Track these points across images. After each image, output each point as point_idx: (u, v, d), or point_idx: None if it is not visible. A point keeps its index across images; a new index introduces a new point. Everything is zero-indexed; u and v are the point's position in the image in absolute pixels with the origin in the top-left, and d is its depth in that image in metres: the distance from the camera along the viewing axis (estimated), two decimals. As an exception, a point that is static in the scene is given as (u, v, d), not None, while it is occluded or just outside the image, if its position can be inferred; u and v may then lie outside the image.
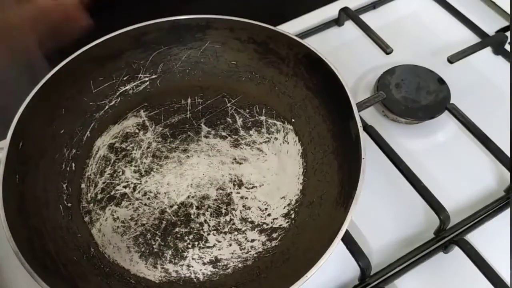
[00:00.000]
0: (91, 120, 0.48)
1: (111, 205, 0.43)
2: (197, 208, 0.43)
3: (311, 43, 0.46)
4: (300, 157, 0.46)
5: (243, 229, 0.42)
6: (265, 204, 0.43)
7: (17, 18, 0.29)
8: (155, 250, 0.41)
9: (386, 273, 0.41)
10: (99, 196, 0.44)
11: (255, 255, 0.41)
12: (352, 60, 0.55)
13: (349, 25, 0.59)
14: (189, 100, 0.50)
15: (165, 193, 0.44)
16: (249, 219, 0.42)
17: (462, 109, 0.48)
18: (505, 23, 0.58)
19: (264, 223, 0.42)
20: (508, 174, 0.44)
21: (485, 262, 0.39)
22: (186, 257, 0.40)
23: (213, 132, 0.48)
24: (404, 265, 0.41)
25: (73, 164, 0.45)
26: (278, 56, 0.48)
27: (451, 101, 0.49)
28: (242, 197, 0.44)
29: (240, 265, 0.40)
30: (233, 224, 0.42)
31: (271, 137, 0.47)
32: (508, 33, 0.56)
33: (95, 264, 0.40)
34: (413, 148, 0.48)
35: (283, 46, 0.48)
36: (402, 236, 0.43)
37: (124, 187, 0.44)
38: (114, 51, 0.48)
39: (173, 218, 0.43)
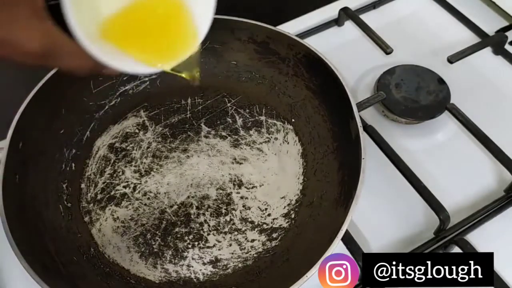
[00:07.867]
0: (91, 120, 0.48)
1: (111, 205, 0.43)
2: (197, 208, 0.43)
3: (311, 43, 0.46)
4: (300, 157, 0.46)
5: (243, 229, 0.42)
6: (265, 204, 0.43)
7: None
8: (155, 250, 0.41)
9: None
10: (99, 196, 0.44)
11: (255, 255, 0.41)
12: (352, 60, 0.55)
13: (349, 25, 0.59)
14: (189, 100, 0.50)
15: (165, 193, 0.44)
16: (249, 219, 0.42)
17: (462, 109, 0.48)
18: (505, 23, 0.58)
19: (264, 223, 0.42)
20: (508, 174, 0.44)
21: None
22: (186, 257, 0.40)
23: (213, 132, 0.48)
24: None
25: (73, 164, 0.45)
26: (278, 56, 0.48)
27: (451, 101, 0.49)
28: (242, 197, 0.44)
29: (240, 265, 0.40)
30: (233, 224, 0.42)
31: (271, 137, 0.47)
32: (508, 33, 0.56)
33: (95, 264, 0.40)
34: (413, 148, 0.48)
35: (283, 46, 0.48)
36: (402, 236, 0.43)
37: (124, 187, 0.44)
38: (114, 51, 0.48)
39: (173, 218, 0.43)
